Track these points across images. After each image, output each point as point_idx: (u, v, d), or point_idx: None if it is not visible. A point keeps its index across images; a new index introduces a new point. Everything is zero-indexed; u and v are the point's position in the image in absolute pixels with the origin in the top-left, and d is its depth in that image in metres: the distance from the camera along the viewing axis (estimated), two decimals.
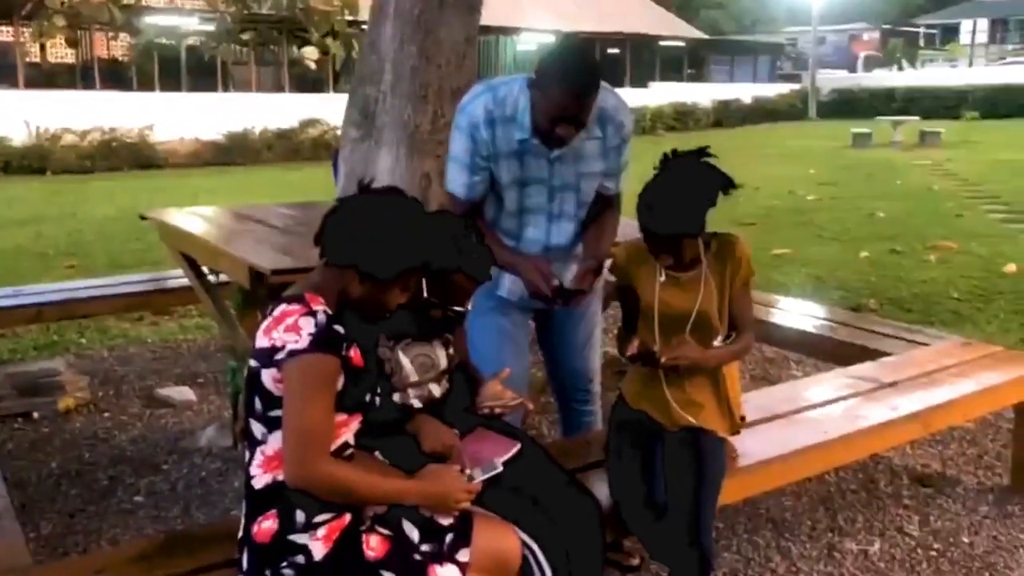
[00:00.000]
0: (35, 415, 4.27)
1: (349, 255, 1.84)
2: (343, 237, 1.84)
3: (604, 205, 2.77)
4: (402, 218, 1.86)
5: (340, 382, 1.81)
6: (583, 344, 2.96)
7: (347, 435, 1.90)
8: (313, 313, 1.77)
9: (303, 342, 1.74)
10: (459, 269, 2.18)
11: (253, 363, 1.81)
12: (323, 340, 1.76)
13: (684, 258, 2.33)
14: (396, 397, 2.21)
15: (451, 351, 2.33)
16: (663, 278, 2.39)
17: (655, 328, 2.39)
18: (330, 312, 1.80)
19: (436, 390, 2.29)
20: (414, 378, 2.24)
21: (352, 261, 1.83)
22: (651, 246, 2.32)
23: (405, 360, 2.23)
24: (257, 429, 1.84)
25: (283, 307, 1.81)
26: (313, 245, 1.90)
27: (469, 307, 2.30)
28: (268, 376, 1.78)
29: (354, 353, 1.85)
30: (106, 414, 4.36)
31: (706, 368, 2.39)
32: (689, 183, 2.26)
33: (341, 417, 1.85)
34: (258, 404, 1.82)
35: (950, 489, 3.57)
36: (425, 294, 2.19)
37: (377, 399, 1.97)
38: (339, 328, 1.79)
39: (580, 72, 2.42)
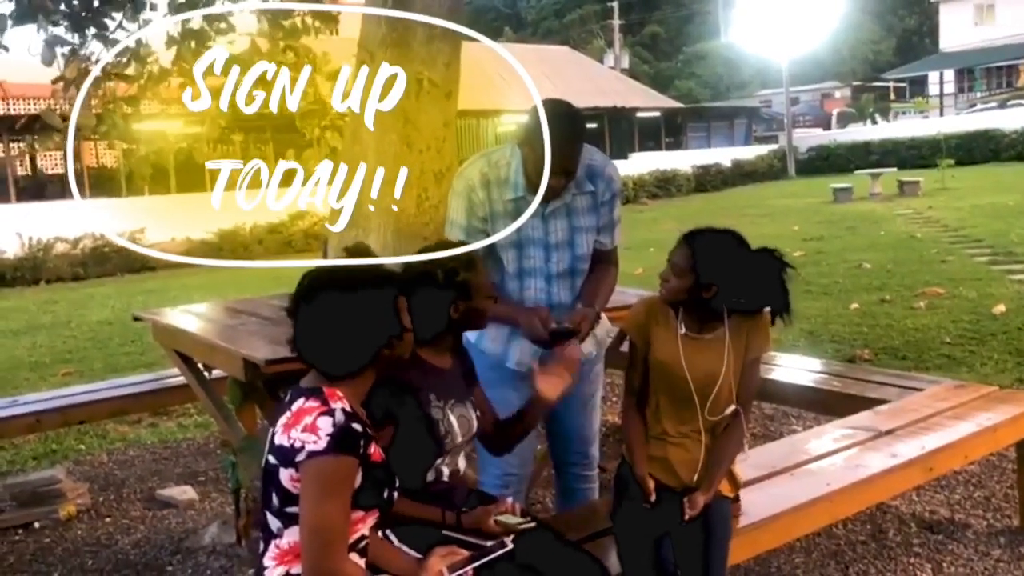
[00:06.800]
0: (36, 525, 4.23)
1: (359, 358, 1.85)
2: (336, 353, 1.84)
3: (602, 260, 2.84)
4: (375, 280, 1.89)
5: (358, 480, 1.80)
6: (584, 403, 2.97)
7: (363, 530, 1.89)
8: (331, 412, 1.76)
9: (321, 444, 1.73)
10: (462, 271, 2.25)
11: (272, 459, 1.80)
12: (342, 441, 1.74)
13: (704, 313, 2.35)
14: (430, 475, 2.20)
15: (478, 412, 2.34)
16: (683, 330, 2.39)
17: (688, 386, 2.35)
18: (348, 410, 1.79)
19: (461, 462, 2.30)
20: (460, 440, 2.24)
21: (366, 360, 1.85)
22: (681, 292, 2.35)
23: (454, 420, 2.23)
24: (273, 523, 1.84)
25: (301, 402, 1.80)
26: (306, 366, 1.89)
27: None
28: (286, 475, 1.77)
29: (374, 450, 1.84)
30: (108, 519, 4.32)
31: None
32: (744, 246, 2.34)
33: (358, 514, 1.84)
34: (275, 499, 1.81)
35: (960, 534, 3.55)
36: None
37: (395, 495, 1.94)
38: (357, 426, 1.78)
39: (565, 121, 2.51)
